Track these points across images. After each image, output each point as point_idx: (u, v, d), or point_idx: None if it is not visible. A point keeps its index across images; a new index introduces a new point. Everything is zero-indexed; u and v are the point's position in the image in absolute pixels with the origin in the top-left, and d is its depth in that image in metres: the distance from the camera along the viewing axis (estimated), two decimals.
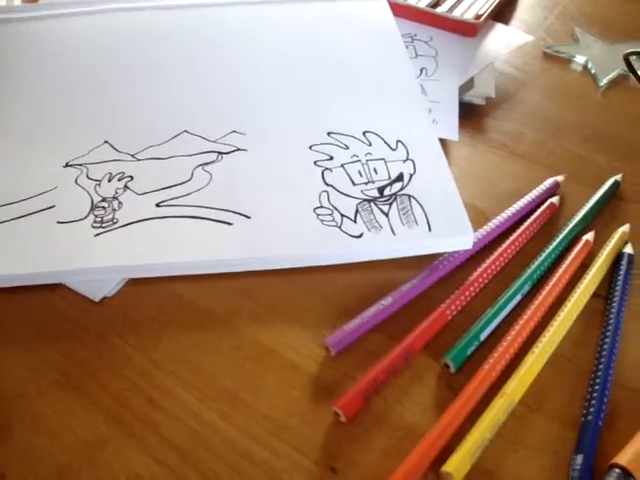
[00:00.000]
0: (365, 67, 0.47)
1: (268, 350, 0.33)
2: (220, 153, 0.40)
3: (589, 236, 0.40)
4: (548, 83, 0.53)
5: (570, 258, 0.38)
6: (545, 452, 0.31)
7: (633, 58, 0.53)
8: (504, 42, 0.54)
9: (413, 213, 0.37)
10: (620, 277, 0.38)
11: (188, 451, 0.30)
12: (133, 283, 0.36)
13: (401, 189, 0.39)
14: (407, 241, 0.36)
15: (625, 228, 0.40)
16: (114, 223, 0.37)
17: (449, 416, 0.30)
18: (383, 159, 0.40)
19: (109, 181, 0.39)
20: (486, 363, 0.32)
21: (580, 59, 0.56)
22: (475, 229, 0.39)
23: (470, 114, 0.49)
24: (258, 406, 0.31)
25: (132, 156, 0.40)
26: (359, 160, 0.40)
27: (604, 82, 0.53)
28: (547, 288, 0.36)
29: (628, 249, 0.39)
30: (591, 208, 0.41)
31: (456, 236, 0.36)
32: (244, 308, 0.35)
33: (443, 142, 0.45)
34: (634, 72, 0.51)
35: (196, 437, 0.30)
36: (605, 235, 0.40)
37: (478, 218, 0.41)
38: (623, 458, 0.29)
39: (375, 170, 0.40)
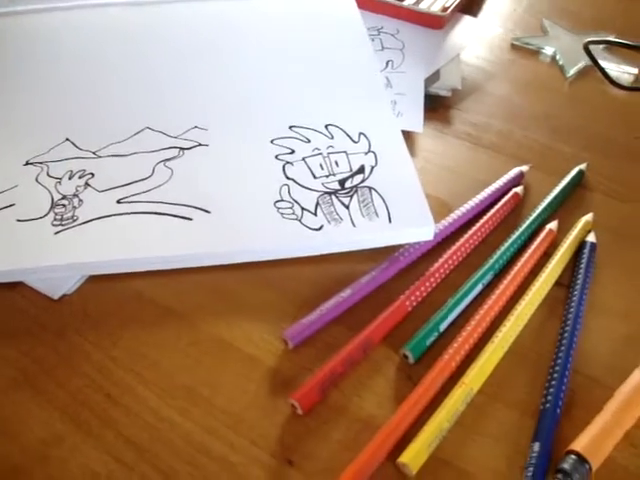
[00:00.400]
0: (328, 61, 0.47)
1: (227, 345, 0.33)
2: (181, 149, 0.40)
3: (552, 225, 0.40)
4: (516, 74, 0.54)
5: (533, 247, 0.38)
6: (504, 441, 0.31)
7: (600, 48, 0.53)
8: (471, 34, 0.54)
9: (374, 205, 0.37)
10: (582, 266, 0.38)
11: (146, 447, 0.30)
12: (93, 280, 0.36)
13: (362, 181, 0.39)
14: (367, 233, 0.36)
15: (588, 217, 0.40)
16: (74, 220, 0.36)
17: (407, 407, 0.30)
18: (345, 152, 0.40)
19: (70, 179, 0.38)
20: (445, 353, 0.32)
21: (548, 50, 0.56)
22: (438, 220, 0.39)
23: (436, 106, 0.49)
24: (216, 401, 0.31)
25: (93, 153, 0.40)
26: (320, 153, 0.40)
27: (571, 73, 0.53)
28: (509, 277, 0.36)
29: (591, 238, 0.39)
30: (555, 197, 0.41)
31: (417, 227, 0.36)
32: (204, 304, 0.35)
33: (408, 134, 0.45)
34: (594, 61, 0.51)
35: (154, 433, 0.30)
36: (569, 224, 0.40)
37: (441, 209, 0.41)
38: (579, 444, 0.29)
39: (336, 163, 0.39)
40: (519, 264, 0.37)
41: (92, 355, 0.33)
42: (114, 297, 0.35)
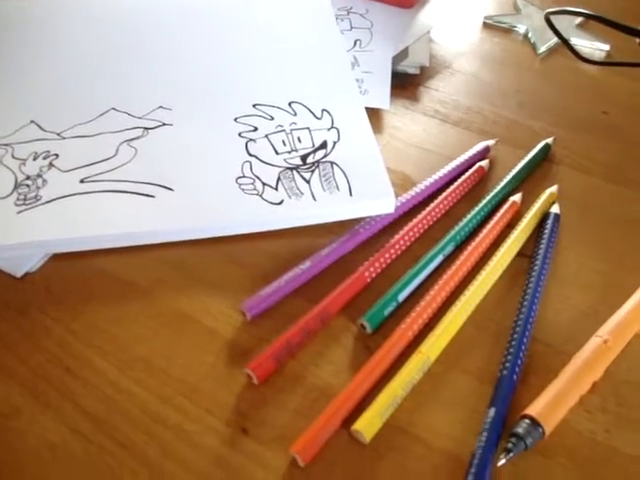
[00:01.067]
0: (293, 39, 0.47)
1: (186, 317, 0.34)
2: (146, 129, 0.41)
3: (516, 197, 0.40)
4: (487, 52, 0.54)
5: (495, 219, 0.38)
6: (460, 408, 0.31)
7: (573, 25, 0.53)
8: (442, 13, 0.54)
9: (335, 179, 0.37)
10: (545, 236, 0.38)
11: (103, 418, 0.30)
12: (57, 258, 0.36)
13: (324, 156, 0.39)
14: (328, 206, 0.36)
15: (553, 189, 0.41)
16: (37, 200, 0.37)
17: (362, 375, 0.31)
18: (308, 128, 0.40)
19: (34, 160, 0.39)
20: (403, 323, 0.33)
21: (521, 29, 0.56)
22: (401, 194, 0.39)
23: (405, 83, 0.49)
24: (172, 371, 0.31)
25: (58, 135, 0.40)
26: (283, 130, 0.40)
27: (542, 50, 0.53)
28: (470, 249, 0.36)
29: (555, 209, 0.39)
30: (520, 170, 0.42)
31: (377, 200, 0.36)
32: (165, 278, 0.35)
33: (375, 111, 0.45)
34: (557, 32, 0.51)
35: (111, 404, 0.30)
36: (535, 197, 0.40)
37: (405, 184, 0.41)
38: (533, 409, 0.30)
39: (299, 139, 0.40)
40: (481, 235, 0.37)
41: (53, 331, 0.33)
42: (77, 274, 0.36)
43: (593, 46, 0.54)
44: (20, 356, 0.32)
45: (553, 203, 0.40)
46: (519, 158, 0.43)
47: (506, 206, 0.39)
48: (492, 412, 0.30)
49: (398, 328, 0.32)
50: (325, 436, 0.29)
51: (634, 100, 0.49)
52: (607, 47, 0.54)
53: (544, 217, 0.39)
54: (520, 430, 0.29)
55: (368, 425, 0.29)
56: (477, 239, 0.37)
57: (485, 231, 0.37)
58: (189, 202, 0.37)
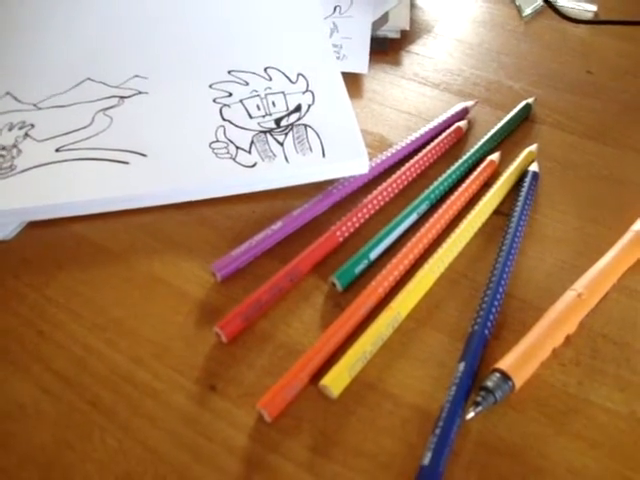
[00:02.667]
0: (270, 5, 0.46)
1: (158, 280, 0.34)
2: (121, 97, 0.41)
3: (494, 156, 0.39)
4: (470, 16, 0.53)
5: (472, 177, 0.38)
6: (431, 364, 0.31)
7: None
8: None
9: (308, 141, 0.37)
10: (522, 194, 0.37)
11: (73, 379, 0.30)
12: (32, 226, 0.37)
13: (298, 119, 0.39)
14: (301, 168, 0.36)
15: (532, 147, 0.40)
16: (12, 169, 0.37)
17: (331, 331, 0.31)
18: (282, 92, 0.40)
19: (9, 130, 0.39)
20: (374, 280, 0.32)
21: None
22: (377, 155, 0.38)
23: (386, 48, 0.49)
24: (143, 332, 0.32)
25: (34, 105, 0.40)
26: (258, 95, 0.40)
27: (527, 12, 0.53)
28: (444, 207, 0.36)
29: (534, 167, 0.39)
30: (499, 129, 0.41)
31: (350, 160, 0.36)
32: (139, 243, 0.36)
33: (355, 76, 0.45)
34: None
35: (82, 365, 0.31)
36: (514, 156, 0.40)
37: (383, 146, 0.41)
38: (504, 363, 0.29)
39: (273, 103, 0.40)
40: (456, 194, 0.37)
41: (27, 296, 0.33)
42: (53, 241, 0.36)
43: (580, 7, 0.53)
44: None
45: (532, 161, 0.39)
46: (498, 118, 0.42)
47: (483, 165, 0.39)
48: (462, 366, 0.30)
49: (369, 285, 0.32)
50: (292, 391, 0.29)
51: (619, 60, 0.48)
52: (594, 8, 0.53)
53: (523, 175, 0.39)
54: (489, 384, 0.29)
55: (336, 380, 0.29)
56: (452, 198, 0.37)
57: (461, 189, 0.37)
58: (162, 167, 0.37)
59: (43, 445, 0.28)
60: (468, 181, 0.37)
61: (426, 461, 0.26)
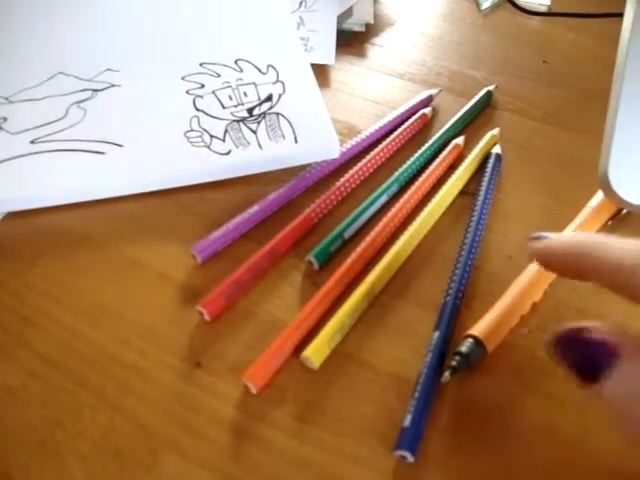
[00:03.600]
0: (239, 0, 0.48)
1: (139, 264, 0.34)
2: (94, 90, 0.41)
3: (459, 140, 0.41)
4: (431, 9, 0.55)
5: (438, 160, 0.39)
6: (407, 334, 0.32)
7: None
8: None
9: (280, 128, 0.38)
10: (487, 174, 0.39)
11: (59, 361, 0.31)
12: (10, 217, 0.37)
13: (270, 108, 0.40)
14: (274, 154, 0.37)
15: (495, 131, 0.42)
16: None
17: (310, 307, 0.32)
18: (254, 83, 0.41)
19: None
20: (349, 257, 0.34)
21: None
22: (345, 142, 0.40)
23: (351, 41, 0.50)
24: (127, 314, 0.32)
25: (5, 99, 0.41)
26: (230, 86, 0.41)
27: (486, 6, 0.55)
28: (413, 187, 0.37)
29: (496, 149, 0.41)
30: (463, 115, 0.43)
31: (321, 145, 0.37)
32: (118, 230, 0.36)
33: (322, 68, 0.46)
34: None
35: (67, 347, 0.31)
36: (477, 140, 0.42)
37: (352, 133, 0.42)
38: (476, 329, 0.31)
39: (245, 93, 0.41)
40: (424, 175, 0.38)
41: (8, 284, 0.34)
42: (30, 231, 0.36)
43: (535, 1, 0.56)
44: None
45: (495, 144, 0.41)
46: (461, 105, 0.44)
47: (449, 148, 0.40)
48: (436, 335, 0.31)
49: (344, 262, 0.33)
50: (276, 363, 0.30)
51: (573, 50, 0.51)
52: (548, 2, 0.56)
53: (486, 157, 0.40)
54: (463, 349, 0.30)
55: (317, 351, 0.30)
56: (420, 179, 0.38)
57: (428, 171, 0.39)
58: (138, 156, 0.37)
59: (34, 426, 0.28)
60: (435, 163, 0.39)
61: (407, 423, 0.28)
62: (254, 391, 0.29)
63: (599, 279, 0.24)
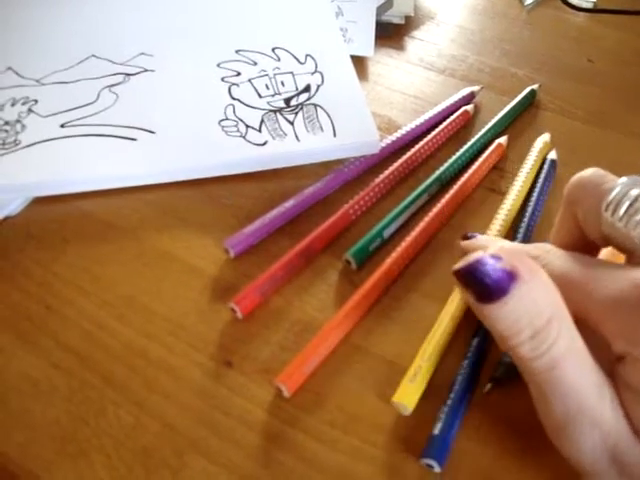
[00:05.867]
0: None
1: (169, 256, 0.33)
2: (127, 75, 0.40)
3: (502, 140, 0.39)
4: (473, 3, 0.53)
5: (481, 159, 0.38)
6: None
7: None
8: None
9: (319, 120, 0.37)
10: (540, 181, 0.38)
11: (84, 354, 0.30)
12: (37, 202, 0.36)
13: (308, 99, 0.38)
14: (311, 147, 0.36)
15: (546, 137, 0.40)
16: (17, 144, 0.36)
17: (348, 307, 0.30)
18: (291, 72, 0.40)
19: (12, 105, 0.38)
20: (388, 258, 0.32)
21: None
22: (386, 137, 0.38)
23: (390, 33, 0.49)
24: (156, 308, 0.31)
25: (37, 81, 0.39)
26: (267, 74, 0.40)
27: (529, 2, 0.53)
28: (455, 187, 0.36)
29: (552, 155, 0.39)
30: (506, 114, 0.41)
31: (361, 140, 0.36)
32: (148, 219, 0.35)
33: (360, 60, 0.44)
34: None
35: (93, 341, 0.30)
36: (520, 141, 0.40)
37: (391, 128, 0.41)
38: None
39: (282, 83, 0.39)
40: (466, 175, 0.37)
41: (34, 272, 0.33)
42: (59, 217, 0.35)
43: None
44: None
45: (549, 150, 0.39)
46: (504, 104, 0.43)
47: (492, 147, 0.39)
48: (475, 342, 0.30)
49: (384, 263, 0.32)
50: (310, 366, 0.28)
51: (619, 48, 0.49)
52: None
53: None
54: (507, 359, 0.29)
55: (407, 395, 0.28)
56: (463, 179, 0.37)
57: (470, 172, 0.37)
58: (171, 144, 0.36)
59: (58, 420, 0.27)
60: (478, 163, 0.38)
61: (436, 431, 0.26)
62: (287, 394, 0.28)
63: None
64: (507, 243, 0.29)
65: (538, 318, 0.21)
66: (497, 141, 0.39)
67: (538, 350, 0.22)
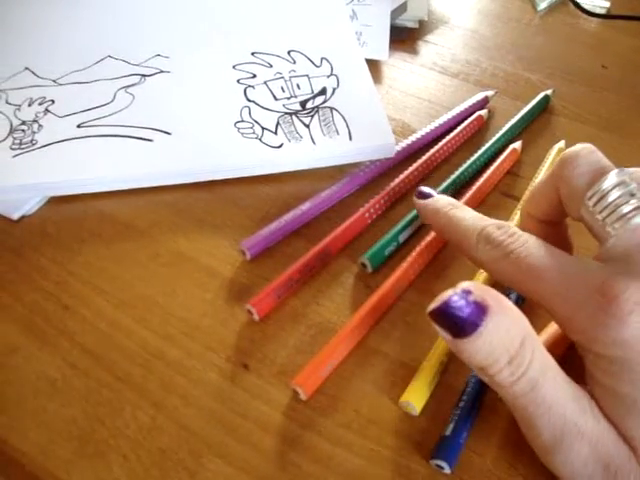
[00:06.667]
0: None
1: (185, 257, 0.33)
2: (143, 76, 0.40)
3: (516, 145, 0.39)
4: (486, 8, 0.53)
5: (495, 164, 0.38)
6: None
7: None
8: None
9: (334, 124, 0.37)
10: None
11: (102, 354, 0.30)
12: (55, 201, 0.36)
13: (324, 102, 0.38)
14: (327, 150, 0.36)
15: (561, 144, 0.40)
16: (33, 144, 0.36)
17: (364, 311, 0.30)
18: (307, 75, 0.40)
19: (29, 105, 0.38)
20: (404, 262, 0.32)
21: None
22: (401, 140, 0.38)
23: (404, 37, 0.49)
24: (172, 309, 0.31)
25: (53, 81, 0.40)
26: (282, 77, 0.40)
27: (542, 7, 0.53)
28: (470, 192, 0.36)
29: None
30: (520, 119, 0.41)
31: (377, 143, 0.36)
32: (164, 220, 0.35)
33: (375, 63, 0.45)
34: None
35: (110, 341, 0.30)
36: (534, 146, 0.40)
37: (406, 132, 0.41)
38: None
39: (298, 85, 0.39)
40: (481, 180, 0.37)
41: (50, 271, 0.33)
42: (74, 217, 0.35)
43: (593, 2, 0.54)
44: (16, 295, 0.32)
45: None
46: (517, 109, 0.43)
47: (506, 153, 0.39)
48: None
49: (399, 267, 0.32)
50: (327, 369, 0.28)
51: (633, 55, 0.49)
52: (607, 4, 0.54)
53: None
54: None
55: (417, 395, 0.28)
56: (478, 183, 0.37)
57: (485, 176, 0.37)
58: (187, 145, 0.36)
59: (75, 420, 0.27)
60: (492, 167, 0.38)
61: (447, 432, 0.26)
62: (303, 397, 0.28)
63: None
64: (457, 203, 0.30)
65: (511, 345, 0.22)
66: (511, 146, 0.39)
67: (516, 374, 0.22)
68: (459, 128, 0.40)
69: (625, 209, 0.23)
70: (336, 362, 0.29)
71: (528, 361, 0.22)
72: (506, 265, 0.25)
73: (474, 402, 0.27)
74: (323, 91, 0.39)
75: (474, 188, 0.36)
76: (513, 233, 0.25)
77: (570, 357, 0.27)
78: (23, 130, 0.37)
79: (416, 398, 0.27)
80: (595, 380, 0.23)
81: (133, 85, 0.39)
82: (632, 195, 0.23)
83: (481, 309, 0.22)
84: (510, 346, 0.22)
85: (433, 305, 0.23)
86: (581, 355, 0.24)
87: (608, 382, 0.22)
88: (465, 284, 0.23)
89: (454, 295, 0.22)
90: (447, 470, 0.25)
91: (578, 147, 0.26)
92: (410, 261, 0.32)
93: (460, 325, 0.22)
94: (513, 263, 0.24)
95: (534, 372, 0.22)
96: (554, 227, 0.29)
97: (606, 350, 0.22)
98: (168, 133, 0.37)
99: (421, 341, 0.30)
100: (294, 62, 0.41)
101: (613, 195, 0.24)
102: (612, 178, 0.24)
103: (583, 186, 0.25)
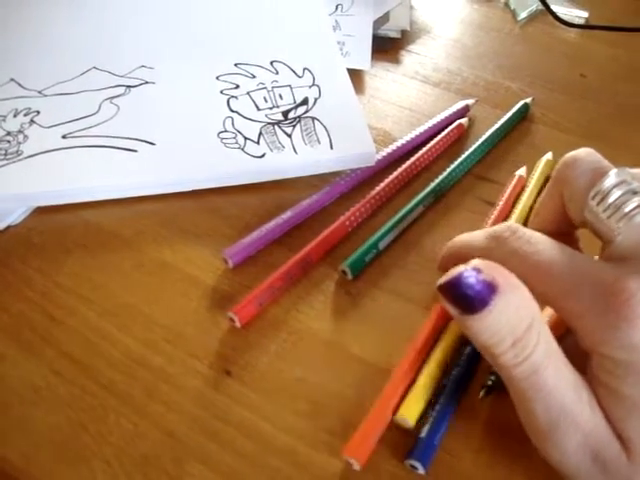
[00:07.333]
0: (275, 1, 0.47)
1: (169, 266, 0.34)
2: (128, 87, 0.41)
3: (521, 171, 0.40)
4: (467, 18, 0.54)
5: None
6: None
7: None
8: None
9: (316, 133, 0.38)
10: None
11: (86, 363, 0.30)
12: (39, 212, 0.36)
13: (305, 112, 0.39)
14: (309, 159, 0.37)
15: (549, 156, 0.41)
16: (18, 155, 0.37)
17: (403, 367, 0.29)
18: (289, 85, 0.41)
19: (15, 116, 0.39)
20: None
21: None
22: (381, 149, 0.39)
23: (386, 47, 0.49)
24: (155, 317, 0.32)
25: (39, 92, 0.40)
26: (265, 87, 0.40)
27: (522, 17, 0.54)
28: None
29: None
30: (499, 127, 0.42)
31: (358, 152, 0.37)
32: (148, 230, 0.36)
33: (357, 73, 0.45)
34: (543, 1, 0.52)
35: (94, 349, 0.31)
36: (514, 154, 0.41)
37: (387, 140, 0.41)
38: None
39: (280, 96, 0.40)
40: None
41: (36, 281, 0.33)
42: (60, 226, 0.36)
43: (572, 13, 0.55)
44: (2, 305, 0.32)
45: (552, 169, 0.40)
46: (498, 117, 0.43)
47: (514, 181, 0.39)
48: (468, 349, 0.30)
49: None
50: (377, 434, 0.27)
51: (611, 64, 0.50)
52: (586, 14, 0.55)
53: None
54: None
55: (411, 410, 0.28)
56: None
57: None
58: (171, 155, 0.37)
59: (59, 426, 0.28)
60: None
61: (423, 433, 0.27)
62: (357, 468, 0.27)
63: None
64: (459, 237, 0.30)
65: (518, 326, 0.22)
66: (517, 173, 0.39)
67: (519, 357, 0.22)
68: (440, 136, 0.41)
69: (628, 207, 0.23)
70: (386, 422, 0.28)
71: (533, 344, 0.22)
72: (514, 262, 0.24)
73: (450, 404, 0.28)
74: (305, 101, 0.40)
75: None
76: (517, 229, 0.25)
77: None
78: (8, 141, 0.37)
79: (411, 414, 0.27)
80: (597, 379, 0.23)
81: (118, 96, 0.40)
82: (634, 193, 0.23)
83: (491, 287, 0.22)
84: (517, 327, 0.22)
85: (443, 279, 0.23)
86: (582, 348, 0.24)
87: (611, 383, 0.23)
88: (476, 261, 0.23)
89: (465, 271, 0.22)
90: (421, 471, 0.26)
91: (578, 150, 0.27)
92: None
93: (469, 301, 0.22)
94: (521, 260, 0.24)
95: (538, 356, 0.22)
96: (564, 239, 0.28)
97: (613, 352, 0.22)
98: (152, 144, 0.37)
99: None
100: (277, 72, 0.42)
101: (615, 194, 0.24)
102: (613, 177, 0.24)
103: (585, 186, 0.25)
